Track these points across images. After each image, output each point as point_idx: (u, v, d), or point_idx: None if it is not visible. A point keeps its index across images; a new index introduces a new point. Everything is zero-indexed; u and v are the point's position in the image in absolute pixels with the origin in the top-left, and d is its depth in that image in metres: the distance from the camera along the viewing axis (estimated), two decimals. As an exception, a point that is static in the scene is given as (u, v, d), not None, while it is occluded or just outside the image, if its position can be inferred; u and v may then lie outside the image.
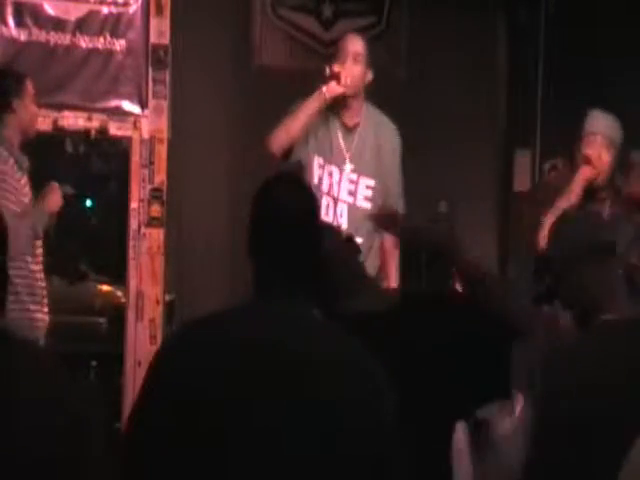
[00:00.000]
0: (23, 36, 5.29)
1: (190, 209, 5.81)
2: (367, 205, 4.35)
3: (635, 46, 5.89)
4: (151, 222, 5.43)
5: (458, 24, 6.46)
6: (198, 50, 5.87)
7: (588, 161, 4.35)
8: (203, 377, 2.06)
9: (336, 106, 4.44)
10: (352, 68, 4.40)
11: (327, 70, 4.38)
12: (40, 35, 5.31)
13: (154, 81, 5.48)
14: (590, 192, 4.34)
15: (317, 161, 4.38)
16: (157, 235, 5.43)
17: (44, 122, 5.24)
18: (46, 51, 5.32)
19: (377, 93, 6.35)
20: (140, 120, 5.47)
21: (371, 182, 4.38)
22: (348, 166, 4.38)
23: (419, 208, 5.18)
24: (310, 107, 4.35)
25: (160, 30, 5.47)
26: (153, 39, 5.47)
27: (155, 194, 5.44)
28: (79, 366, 5.83)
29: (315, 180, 4.33)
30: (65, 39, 5.35)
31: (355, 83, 4.41)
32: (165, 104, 5.49)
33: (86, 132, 5.45)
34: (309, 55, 6.30)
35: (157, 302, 5.40)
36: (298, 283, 2.15)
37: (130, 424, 2.14)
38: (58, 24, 5.33)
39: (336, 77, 4.35)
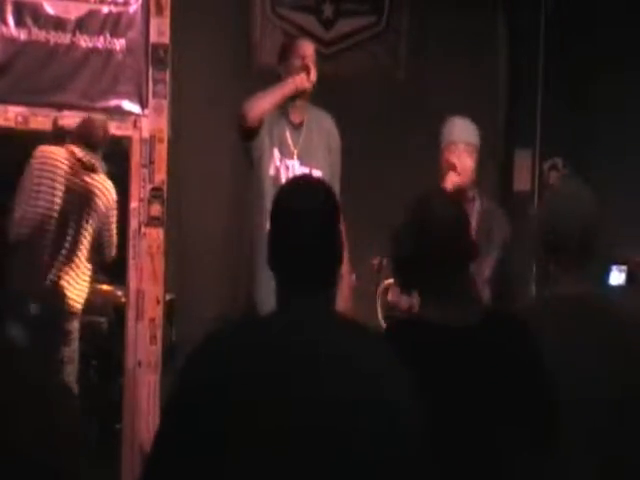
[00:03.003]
0: (23, 35, 5.28)
1: (190, 208, 5.81)
2: None
3: (635, 46, 5.89)
4: (151, 222, 5.42)
5: (458, 24, 6.45)
6: (198, 49, 5.87)
7: (453, 168, 4.56)
8: (231, 381, 2.05)
9: (284, 104, 4.75)
10: (313, 69, 4.76)
11: (306, 62, 4.71)
12: (40, 34, 5.31)
13: (154, 81, 5.47)
14: (458, 194, 4.47)
15: (276, 154, 4.68)
16: (157, 235, 5.43)
17: (44, 122, 5.24)
18: (46, 50, 5.31)
19: (376, 93, 6.37)
20: (140, 120, 5.46)
21: (319, 173, 4.64)
22: (296, 162, 4.70)
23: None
24: (283, 90, 4.68)
25: (160, 29, 5.47)
26: (153, 38, 5.46)
27: (155, 194, 5.43)
28: (79, 365, 5.81)
29: (272, 172, 4.65)
30: (65, 38, 5.34)
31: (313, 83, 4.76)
32: (165, 103, 5.48)
33: (86, 131, 5.44)
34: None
35: (157, 301, 5.39)
36: (322, 285, 2.15)
37: (160, 428, 2.12)
38: (58, 23, 5.33)
39: (307, 72, 4.69)
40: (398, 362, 2.12)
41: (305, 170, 4.68)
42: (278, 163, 4.68)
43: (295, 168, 4.70)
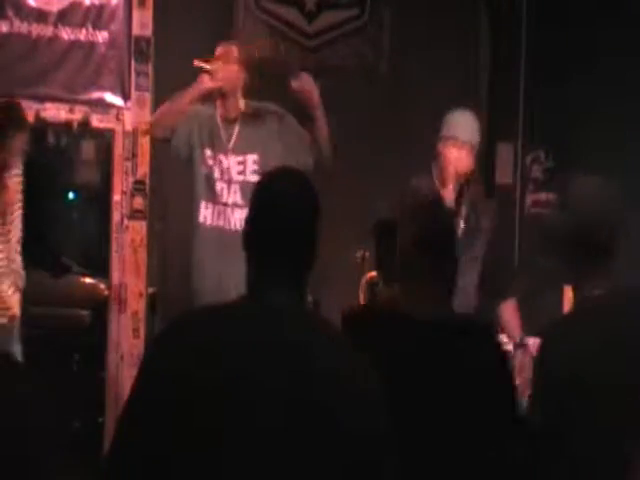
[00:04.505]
0: (5, 28, 5.27)
1: (172, 202, 5.80)
2: (256, 178, 4.78)
3: (615, 40, 5.91)
4: (134, 215, 5.42)
5: (440, 18, 6.46)
6: (181, 42, 5.86)
7: (460, 171, 4.56)
8: (195, 375, 2.03)
9: (217, 101, 4.95)
10: (225, 67, 4.87)
11: (196, 63, 4.85)
12: (22, 27, 5.29)
13: (137, 73, 5.47)
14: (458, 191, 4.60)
15: (207, 153, 4.85)
16: (140, 228, 5.42)
17: (26, 114, 5.23)
18: (28, 43, 5.30)
19: (359, 85, 6.37)
20: (123, 112, 5.46)
21: (256, 156, 4.86)
22: (231, 155, 4.87)
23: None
24: (188, 96, 4.86)
25: (142, 22, 5.46)
26: (135, 31, 5.46)
27: (138, 187, 5.43)
28: (62, 359, 5.81)
29: (204, 169, 4.85)
30: (47, 31, 5.33)
31: (230, 80, 4.87)
32: (148, 96, 5.48)
33: (68, 124, 5.44)
34: (292, 47, 6.30)
35: (140, 295, 5.39)
36: (295, 278, 2.15)
37: (122, 422, 2.10)
38: (40, 16, 5.31)
39: (209, 73, 4.83)
40: (367, 363, 2.13)
41: (238, 159, 4.86)
42: (210, 162, 4.85)
43: (229, 161, 4.86)
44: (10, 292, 4.87)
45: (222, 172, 4.85)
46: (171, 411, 2.01)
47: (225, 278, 4.75)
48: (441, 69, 6.37)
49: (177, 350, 2.08)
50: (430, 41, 6.40)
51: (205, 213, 4.86)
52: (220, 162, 4.86)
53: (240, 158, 4.88)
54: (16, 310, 4.87)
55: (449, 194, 4.55)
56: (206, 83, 4.85)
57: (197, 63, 4.84)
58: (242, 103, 4.94)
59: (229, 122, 4.91)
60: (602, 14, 6.01)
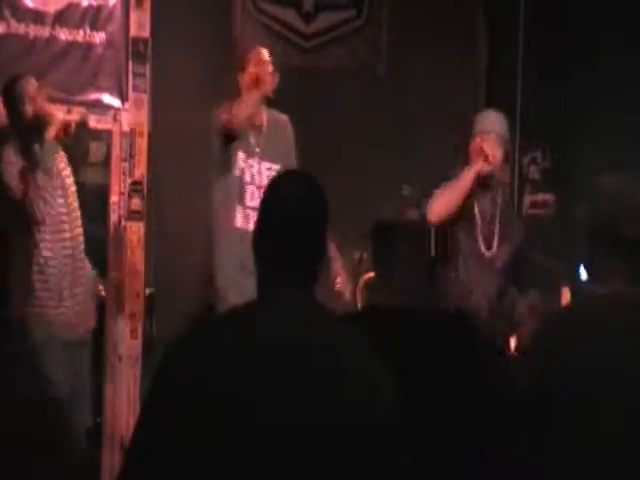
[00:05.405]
0: (1, 29, 5.26)
1: (170, 203, 5.80)
2: None
3: (612, 41, 5.92)
4: (131, 216, 5.42)
5: (438, 19, 6.47)
6: (179, 43, 5.86)
7: (486, 157, 4.68)
8: (210, 378, 2.04)
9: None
10: (272, 74, 5.02)
11: (243, 75, 5.00)
12: (19, 28, 5.29)
13: (134, 74, 5.46)
14: (481, 182, 4.71)
15: (240, 156, 5.01)
16: (137, 229, 5.42)
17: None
18: (25, 44, 5.30)
19: (357, 86, 6.38)
20: (120, 113, 5.45)
21: (280, 167, 5.00)
22: (257, 159, 5.05)
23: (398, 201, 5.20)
24: (255, 96, 4.98)
25: (140, 23, 5.45)
26: (133, 32, 5.45)
27: (135, 187, 5.42)
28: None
29: (238, 172, 5.00)
30: (44, 32, 5.33)
31: (272, 84, 5.02)
32: (145, 97, 5.47)
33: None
34: (290, 48, 6.31)
35: (137, 296, 5.39)
36: (304, 278, 2.15)
37: (138, 423, 2.12)
38: (37, 17, 5.31)
39: (262, 80, 4.95)
40: (381, 360, 2.13)
41: (266, 165, 5.02)
42: (242, 164, 4.99)
43: (258, 165, 5.02)
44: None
45: (252, 176, 5.01)
46: (179, 415, 2.02)
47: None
48: (439, 69, 6.38)
49: (188, 356, 2.09)
50: (428, 41, 6.41)
51: (240, 216, 4.97)
52: (251, 166, 5.02)
53: (269, 165, 5.04)
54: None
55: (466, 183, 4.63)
56: (270, 88, 4.98)
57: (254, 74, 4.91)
58: (264, 109, 5.09)
59: (256, 128, 5.06)
60: (601, 14, 6.01)
